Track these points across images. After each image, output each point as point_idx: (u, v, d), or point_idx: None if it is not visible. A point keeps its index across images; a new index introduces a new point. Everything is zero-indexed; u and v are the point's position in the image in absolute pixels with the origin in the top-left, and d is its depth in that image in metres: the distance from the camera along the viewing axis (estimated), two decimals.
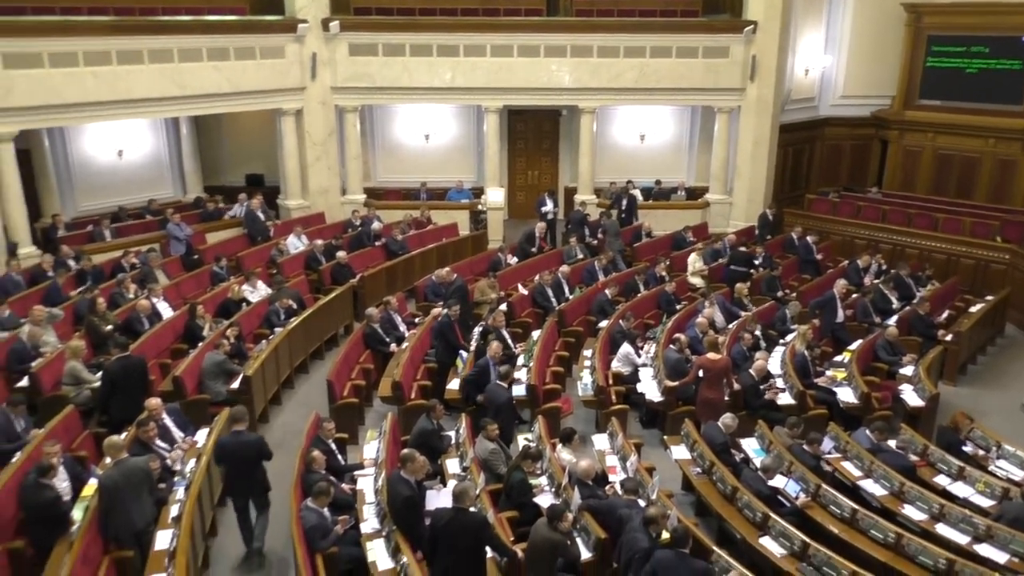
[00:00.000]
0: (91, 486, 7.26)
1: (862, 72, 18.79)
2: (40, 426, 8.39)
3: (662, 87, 16.60)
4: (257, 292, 12.34)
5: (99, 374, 9.16)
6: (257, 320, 11.52)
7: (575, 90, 16.68)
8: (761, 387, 9.81)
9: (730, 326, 11.80)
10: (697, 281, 14.06)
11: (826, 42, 18.82)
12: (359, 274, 13.37)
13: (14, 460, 7.69)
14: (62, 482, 7.25)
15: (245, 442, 7.55)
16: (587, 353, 10.91)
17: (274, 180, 17.87)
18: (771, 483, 7.81)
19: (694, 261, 14.33)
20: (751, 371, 9.87)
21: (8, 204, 13.33)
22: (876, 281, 13.65)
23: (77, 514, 6.96)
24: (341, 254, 13.65)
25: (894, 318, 12.30)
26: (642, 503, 7.20)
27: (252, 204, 15.58)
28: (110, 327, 10.45)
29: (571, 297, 12.96)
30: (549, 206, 16.82)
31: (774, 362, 10.67)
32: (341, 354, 10.51)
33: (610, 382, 10.19)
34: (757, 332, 11.33)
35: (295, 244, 14.58)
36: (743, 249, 14.41)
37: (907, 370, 10.56)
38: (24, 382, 9.42)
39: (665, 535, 6.44)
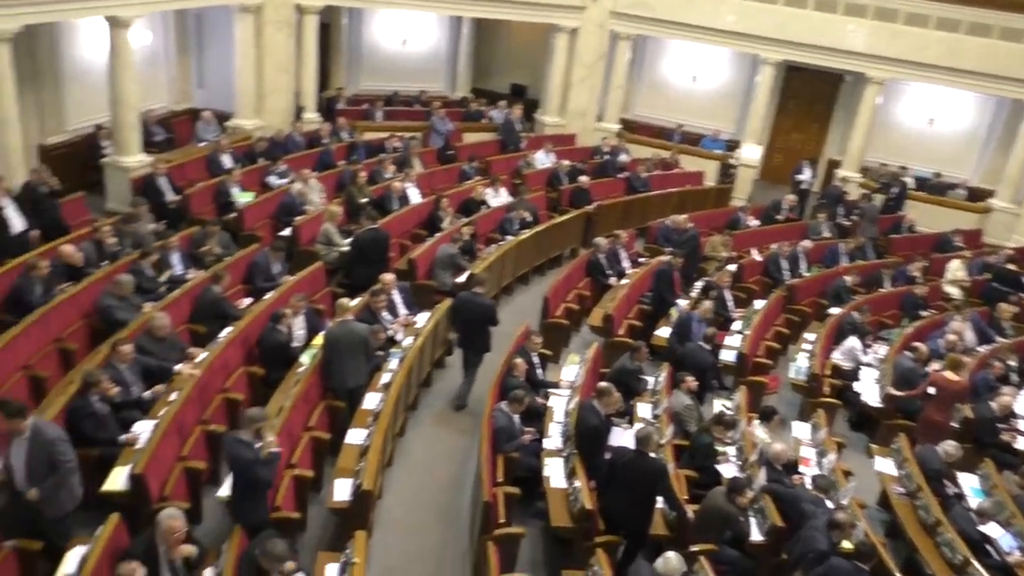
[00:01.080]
0: (321, 337, 8.03)
1: None
2: (292, 273, 9.45)
3: (970, 69, 14.63)
4: (498, 198, 12.78)
5: (349, 240, 10.01)
6: (492, 224, 11.98)
7: (867, 56, 15.18)
8: (999, 424, 8.78)
9: (980, 349, 10.60)
10: (953, 291, 12.70)
11: None
12: (596, 202, 13.40)
13: (267, 297, 8.77)
14: (299, 329, 8.14)
15: (480, 303, 8.44)
16: (809, 336, 10.31)
17: (536, 94, 18.19)
18: (982, 528, 7.07)
19: (955, 269, 12.92)
20: (992, 404, 8.86)
21: (304, 71, 14.65)
22: None
23: (306, 358, 7.79)
24: (584, 179, 13.74)
25: None
26: (830, 504, 6.82)
27: (512, 113, 16.00)
28: (365, 200, 11.33)
29: (806, 274, 12.22)
30: (806, 175, 15.77)
31: (1022, 402, 9.49)
32: (562, 275, 10.73)
33: (826, 372, 9.59)
34: (1011, 363, 10.08)
35: (543, 160, 14.86)
36: (1012, 267, 12.73)
37: None
38: (286, 232, 10.55)
39: (846, 544, 6.09)
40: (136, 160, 11.45)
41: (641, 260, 11.99)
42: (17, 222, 8.97)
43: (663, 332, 9.83)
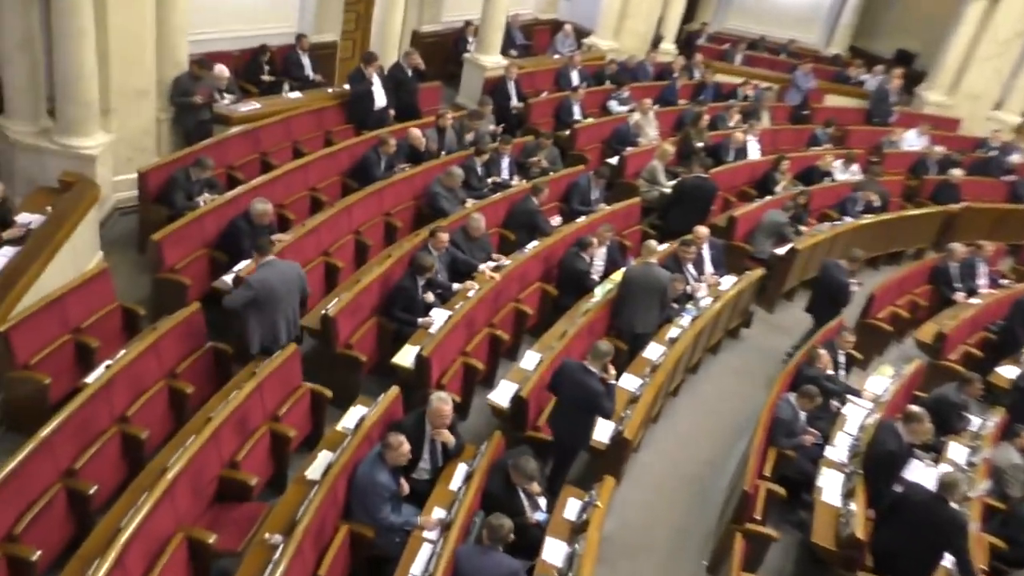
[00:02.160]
0: (619, 274, 8.05)
1: None
2: (608, 203, 9.61)
3: None
4: (846, 173, 11.75)
5: (673, 182, 9.89)
6: (831, 200, 11.07)
7: None
8: None
9: None
10: None
11: None
12: (965, 202, 11.75)
13: (578, 220, 9.03)
14: (600, 260, 8.28)
15: (837, 277, 8.37)
16: None
17: (924, 65, 16.28)
18: None
19: None
20: None
21: (672, 1, 14.46)
22: None
23: (599, 291, 7.90)
24: (956, 172, 12.13)
25: None
26: None
27: (889, 82, 14.49)
28: (701, 145, 11.05)
29: None
30: None
31: None
32: (899, 275, 9.78)
33: None
34: None
35: (911, 141, 13.33)
36: None
37: None
38: (614, 160, 10.68)
39: None
40: (493, 61, 12.12)
41: (1003, 282, 10.40)
42: (380, 98, 9.96)
43: (1007, 371, 8.54)
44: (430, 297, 7.13)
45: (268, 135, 9.03)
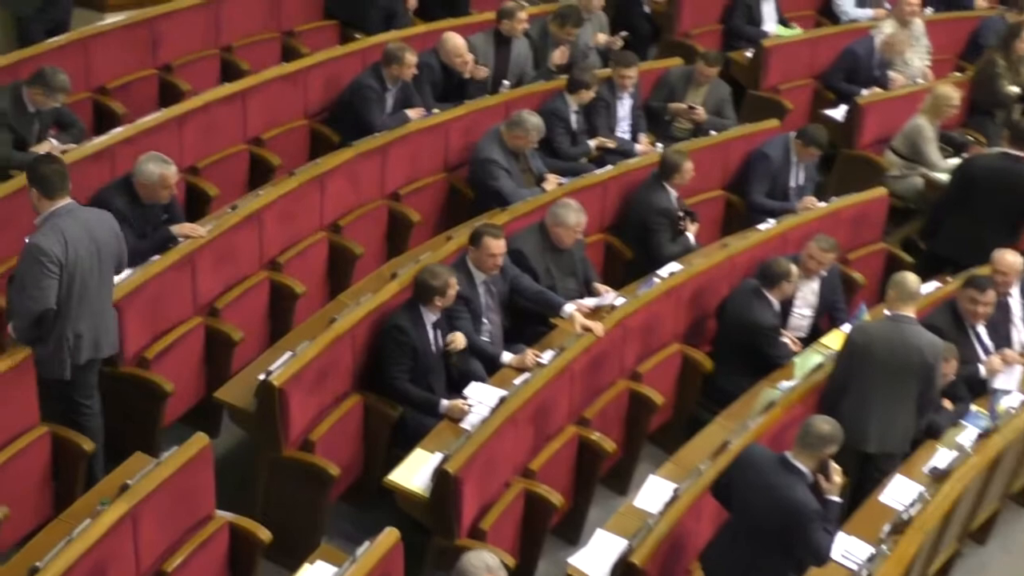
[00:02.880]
0: (839, 334, 7.99)
1: None
2: (822, 196, 9.50)
3: None
4: None
5: (954, 161, 9.76)
6: None
7: None
8: None
9: None
10: None
11: None
12: None
13: (763, 227, 8.95)
14: (805, 307, 8.27)
15: None
16: None
17: None
18: None
19: None
20: None
21: None
22: None
23: (800, 365, 7.83)
24: None
25: None
26: None
27: None
28: (1016, 90, 10.94)
29: None
30: None
31: None
32: None
33: None
34: None
35: None
36: None
37: None
38: (837, 113, 10.59)
39: None
40: None
41: None
42: None
43: None
44: (460, 342, 7.09)
45: (176, 33, 9.21)
